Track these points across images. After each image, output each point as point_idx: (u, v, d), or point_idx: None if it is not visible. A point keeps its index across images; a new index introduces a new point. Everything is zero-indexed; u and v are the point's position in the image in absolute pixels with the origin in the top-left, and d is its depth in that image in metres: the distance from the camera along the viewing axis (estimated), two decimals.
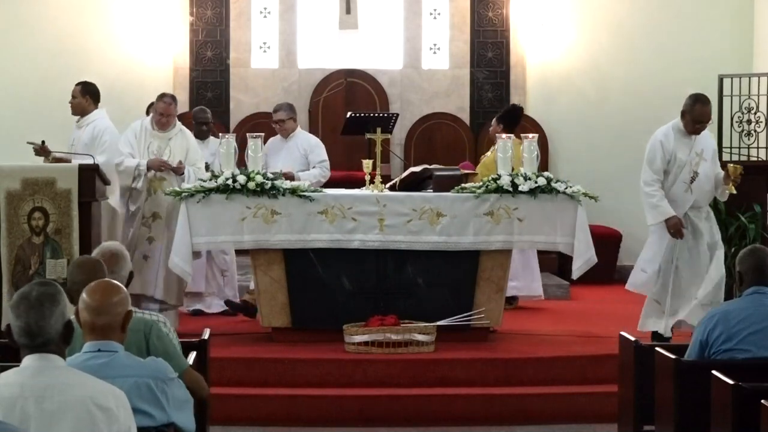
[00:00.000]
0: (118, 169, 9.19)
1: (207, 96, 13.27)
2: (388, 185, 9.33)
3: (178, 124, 9.58)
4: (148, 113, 10.18)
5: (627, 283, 9.10)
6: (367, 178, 9.13)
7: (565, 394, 8.16)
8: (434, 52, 13.59)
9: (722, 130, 12.55)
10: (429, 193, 8.99)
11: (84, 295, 4.41)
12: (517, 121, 10.84)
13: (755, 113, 12.46)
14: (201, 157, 9.62)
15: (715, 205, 9.26)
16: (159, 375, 4.53)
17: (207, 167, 9.69)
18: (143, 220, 9.21)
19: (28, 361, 3.84)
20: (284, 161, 10.12)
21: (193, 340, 6.21)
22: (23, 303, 3.82)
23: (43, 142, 9.28)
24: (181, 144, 9.44)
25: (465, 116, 13.44)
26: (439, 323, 8.62)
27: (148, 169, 9.23)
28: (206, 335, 6.41)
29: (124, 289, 4.51)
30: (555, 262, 11.95)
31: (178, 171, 9.26)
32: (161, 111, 9.44)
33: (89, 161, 8.69)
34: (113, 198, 9.24)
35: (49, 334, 3.82)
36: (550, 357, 8.52)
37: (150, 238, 9.21)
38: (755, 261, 5.93)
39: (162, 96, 9.55)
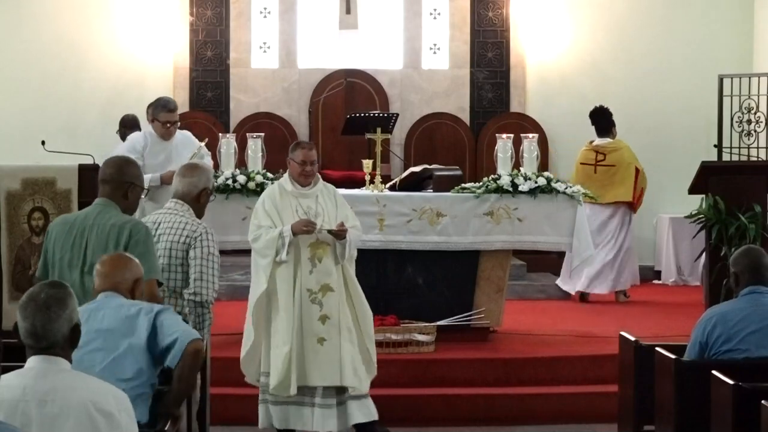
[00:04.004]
0: (256, 246, 7.37)
1: (207, 96, 13.27)
2: (388, 185, 9.32)
3: (320, 178, 7.53)
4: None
5: None
6: (367, 178, 9.13)
7: (565, 394, 8.16)
8: (434, 52, 13.58)
9: (722, 130, 12.56)
10: (429, 193, 8.99)
11: (97, 264, 4.85)
12: (602, 120, 11.19)
13: (755, 113, 12.47)
14: (352, 213, 7.61)
15: (715, 204, 9.25)
16: (153, 308, 4.84)
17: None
18: (311, 296, 7.23)
19: (32, 362, 3.85)
20: (175, 165, 8.18)
21: None
22: (31, 305, 3.84)
23: (43, 142, 9.27)
24: (331, 201, 7.47)
25: (465, 116, 13.44)
26: (439, 323, 8.62)
27: (294, 233, 7.23)
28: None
29: (137, 262, 4.91)
30: (555, 262, 11.94)
31: (341, 234, 7.29)
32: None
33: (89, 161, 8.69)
34: None
35: (54, 337, 3.83)
36: (550, 357, 8.52)
37: (323, 317, 7.20)
38: (750, 261, 5.94)
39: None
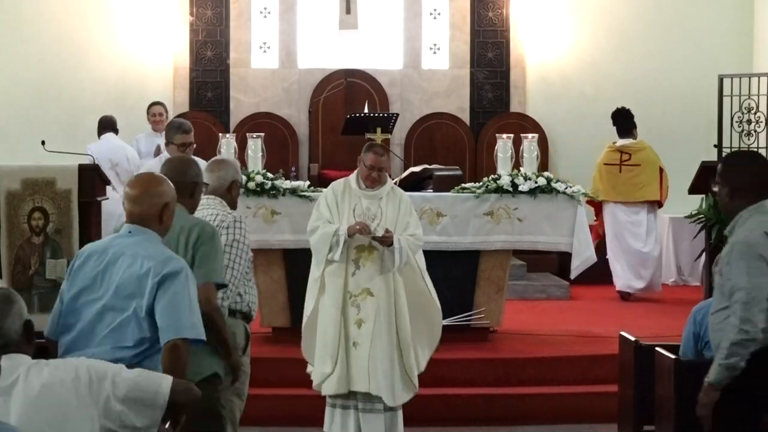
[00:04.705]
0: (311, 239, 7.30)
1: (207, 96, 13.27)
2: None
3: (389, 182, 7.45)
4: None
5: None
6: None
7: (565, 394, 8.16)
8: (434, 52, 13.59)
9: (722, 130, 12.56)
10: (429, 193, 8.99)
11: (126, 186, 4.74)
12: (624, 121, 11.36)
13: (755, 113, 12.47)
14: (416, 221, 7.44)
15: (714, 204, 9.25)
16: (167, 264, 4.58)
17: None
18: (351, 299, 7.18)
19: None
20: None
21: None
22: None
23: (43, 142, 9.27)
24: (394, 206, 7.33)
25: (465, 116, 13.44)
26: None
27: (349, 234, 7.13)
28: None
29: (168, 183, 4.79)
30: (555, 262, 11.95)
31: (386, 241, 7.13)
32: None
33: (89, 161, 8.68)
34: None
35: (8, 335, 3.91)
36: (550, 357, 8.53)
37: (359, 320, 7.17)
38: None
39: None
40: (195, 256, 5.30)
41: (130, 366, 4.32)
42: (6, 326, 3.90)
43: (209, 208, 6.11)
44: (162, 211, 4.69)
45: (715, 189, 5.24)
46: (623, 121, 11.43)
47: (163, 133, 11.19)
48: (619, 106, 11.58)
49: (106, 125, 11.65)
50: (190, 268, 4.82)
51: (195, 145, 8.61)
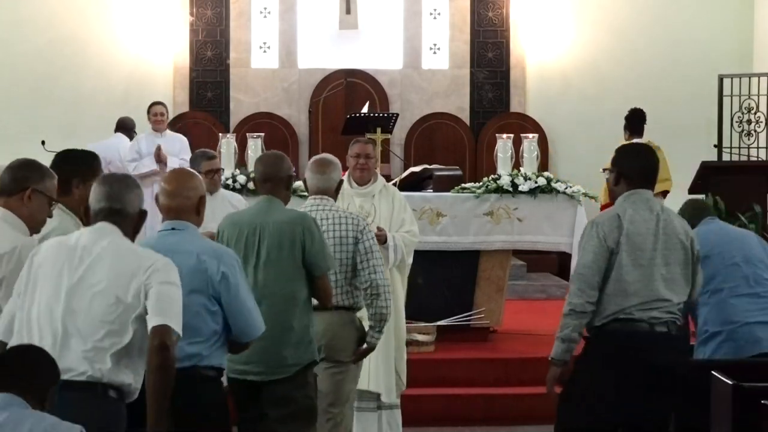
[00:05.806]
0: None
1: (207, 96, 13.27)
2: None
3: (381, 178, 7.37)
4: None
5: None
6: None
7: None
8: (434, 52, 13.59)
9: (722, 130, 12.56)
10: (429, 193, 8.99)
11: (162, 181, 4.88)
12: (640, 121, 11.36)
13: (755, 113, 12.48)
14: (411, 217, 7.34)
15: (714, 204, 9.26)
16: (223, 259, 4.69)
17: None
18: None
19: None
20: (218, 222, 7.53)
21: None
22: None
23: (43, 142, 9.27)
24: (387, 203, 7.26)
25: (465, 116, 13.44)
26: (439, 323, 8.62)
27: None
28: None
29: (199, 177, 4.94)
30: (555, 262, 11.96)
31: (378, 239, 6.76)
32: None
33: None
34: None
35: (124, 205, 4.35)
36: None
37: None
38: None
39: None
40: (304, 253, 5.50)
41: (202, 358, 4.59)
42: (127, 199, 4.35)
43: (331, 210, 6.08)
44: (199, 203, 4.78)
45: (605, 174, 5.53)
46: (638, 121, 11.43)
47: (164, 132, 11.28)
48: (635, 107, 11.58)
49: (119, 126, 11.75)
50: (302, 262, 5.43)
51: (223, 171, 8.31)
